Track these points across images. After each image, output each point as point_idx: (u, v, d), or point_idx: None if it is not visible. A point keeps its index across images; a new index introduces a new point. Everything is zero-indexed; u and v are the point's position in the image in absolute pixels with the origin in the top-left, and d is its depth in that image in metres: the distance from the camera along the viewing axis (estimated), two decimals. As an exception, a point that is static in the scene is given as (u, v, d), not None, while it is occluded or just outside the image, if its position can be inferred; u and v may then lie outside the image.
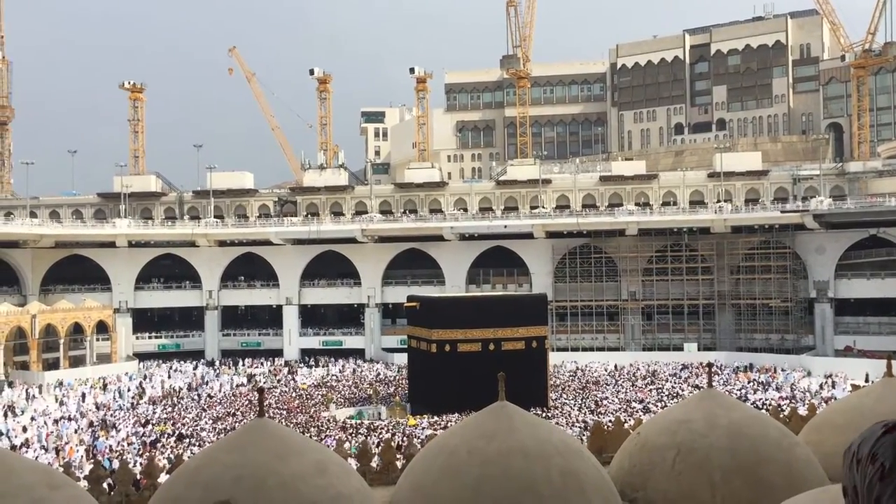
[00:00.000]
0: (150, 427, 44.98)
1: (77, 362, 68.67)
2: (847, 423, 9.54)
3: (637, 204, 78.45)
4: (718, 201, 75.90)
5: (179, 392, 59.30)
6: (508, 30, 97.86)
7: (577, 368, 65.90)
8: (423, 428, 42.19)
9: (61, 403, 54.89)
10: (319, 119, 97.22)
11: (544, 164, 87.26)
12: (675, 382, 57.78)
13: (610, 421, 31.78)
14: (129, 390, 60.32)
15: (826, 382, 56.54)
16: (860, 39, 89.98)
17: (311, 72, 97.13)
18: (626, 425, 13.05)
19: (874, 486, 2.24)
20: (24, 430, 45.98)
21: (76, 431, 45.49)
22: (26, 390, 58.65)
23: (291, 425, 40.35)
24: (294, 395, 56.12)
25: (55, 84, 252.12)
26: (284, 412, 47.63)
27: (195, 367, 72.00)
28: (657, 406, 47.17)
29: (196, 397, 56.89)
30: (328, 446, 14.53)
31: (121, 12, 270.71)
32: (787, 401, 49.71)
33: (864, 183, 76.28)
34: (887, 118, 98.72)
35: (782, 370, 62.39)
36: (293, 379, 65.23)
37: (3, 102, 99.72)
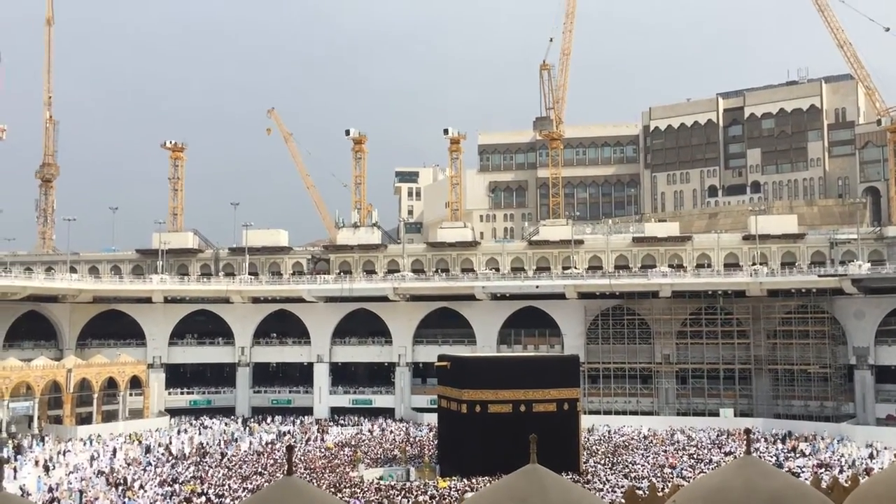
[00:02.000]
0: (177, 486, 44.71)
1: (110, 417, 68.99)
2: (890, 494, 9.23)
3: (670, 266, 77.87)
4: (753, 264, 75.04)
5: (209, 449, 59.11)
6: (542, 92, 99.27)
7: (610, 432, 64.71)
8: (455, 490, 41.50)
9: (93, 459, 54.97)
10: (354, 178, 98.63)
11: (576, 224, 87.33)
12: (710, 449, 56.38)
13: (644, 487, 31.01)
14: (159, 446, 60.30)
15: (871, 452, 54.79)
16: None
17: (347, 132, 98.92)
18: (660, 492, 12.73)
19: None
20: (51, 489, 45.88)
21: (106, 488, 45.40)
22: (59, 445, 58.87)
23: (319, 486, 39.93)
24: (322, 454, 55.67)
25: (98, 142, 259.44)
26: (312, 471, 47.20)
27: (226, 424, 71.92)
28: (690, 472, 46.03)
29: (225, 455, 56.66)
30: (356, 507, 14.39)
31: (163, 73, 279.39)
32: (822, 469, 48.27)
33: (904, 247, 75.00)
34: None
35: (822, 438, 60.58)
36: (322, 438, 64.80)
37: (49, 160, 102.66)
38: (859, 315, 68.59)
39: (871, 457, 53.24)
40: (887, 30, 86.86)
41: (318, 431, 68.24)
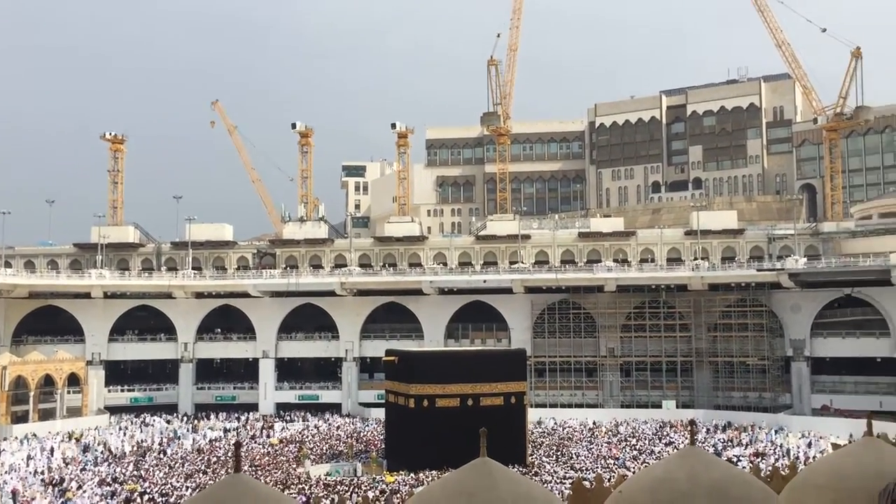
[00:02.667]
0: (118, 485, 43.66)
1: (47, 415, 67.15)
2: (828, 484, 9.49)
3: (615, 260, 79.00)
4: (695, 259, 76.62)
5: (151, 447, 57.98)
6: (489, 87, 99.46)
7: (556, 425, 65.42)
8: (404, 485, 41.47)
9: (29, 458, 53.45)
10: (300, 172, 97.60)
11: (523, 219, 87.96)
12: (652, 440, 57.46)
13: (590, 478, 31.49)
14: (98, 445, 58.91)
15: (808, 441, 56.48)
16: (832, 103, 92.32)
17: (293, 125, 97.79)
18: (606, 483, 12.90)
19: None
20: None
21: (43, 487, 44.19)
22: (-8, 444, 57.12)
23: (266, 482, 39.50)
24: (268, 450, 55.08)
25: (34, 133, 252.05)
26: (257, 468, 46.66)
27: (168, 422, 70.64)
28: (634, 463, 46.84)
29: (168, 453, 55.63)
30: (304, 504, 14.24)
31: (104, 63, 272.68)
32: (759, 458, 49.63)
33: (838, 243, 77.44)
34: (859, 180, 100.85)
35: (760, 428, 62.21)
36: (268, 434, 64.10)
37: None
38: (796, 308, 70.60)
39: (808, 445, 54.85)
40: (824, 30, 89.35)
41: (264, 428, 67.51)
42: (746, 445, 55.88)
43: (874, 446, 9.80)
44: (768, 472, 14.03)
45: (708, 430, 61.75)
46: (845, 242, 77.15)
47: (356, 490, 39.86)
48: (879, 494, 2.38)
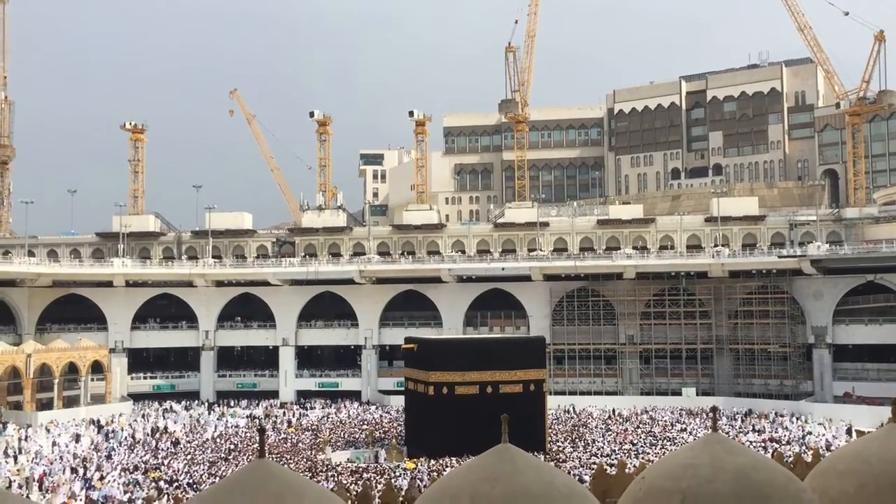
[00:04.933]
0: (142, 473, 44.11)
1: (71, 402, 68.00)
2: (851, 469, 9.46)
3: (634, 248, 78.62)
4: (716, 245, 76.10)
5: (174, 434, 58.58)
6: (507, 74, 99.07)
7: (575, 412, 65.42)
8: (426, 471, 41.68)
9: (54, 444, 54.19)
10: (318, 161, 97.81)
11: (542, 207, 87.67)
12: (672, 427, 57.35)
13: (613, 464, 31.50)
14: (122, 432, 59.59)
15: (832, 428, 56.19)
16: (855, 87, 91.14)
17: (311, 114, 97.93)
18: (628, 469, 12.93)
19: None
20: (9, 478, 45.16)
21: (70, 475, 44.78)
22: (21, 431, 57.95)
23: (292, 469, 39.82)
24: (289, 437, 55.51)
25: (56, 124, 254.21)
26: (280, 455, 47.05)
27: (189, 409, 71.33)
28: (652, 450, 46.79)
29: (191, 440, 56.18)
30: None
31: (125, 54, 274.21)
32: (779, 444, 49.43)
33: (861, 229, 76.60)
34: (882, 165, 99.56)
35: (782, 416, 61.88)
36: (288, 421, 64.58)
37: (5, 142, 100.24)
38: (818, 295, 69.98)
39: (831, 433, 54.49)
40: (846, 14, 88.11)
41: (284, 415, 68.00)
42: (761, 433, 55.61)
43: (899, 433, 9.74)
44: (793, 459, 13.98)
45: (728, 417, 61.49)
46: (868, 228, 76.30)
47: (383, 476, 40.03)
48: None
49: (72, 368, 68.56)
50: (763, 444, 49.84)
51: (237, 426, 62.19)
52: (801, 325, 70.28)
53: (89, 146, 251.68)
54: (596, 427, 57.55)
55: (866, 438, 10.70)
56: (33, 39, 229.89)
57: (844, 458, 10.12)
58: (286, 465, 40.48)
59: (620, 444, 50.23)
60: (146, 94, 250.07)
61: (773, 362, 69.77)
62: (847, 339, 69.26)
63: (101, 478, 43.23)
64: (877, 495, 8.84)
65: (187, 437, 57.47)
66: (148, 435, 58.54)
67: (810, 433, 54.95)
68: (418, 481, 37.79)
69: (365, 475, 40.56)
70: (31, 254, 79.96)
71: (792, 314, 69.76)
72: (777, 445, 48.85)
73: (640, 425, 58.33)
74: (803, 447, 47.19)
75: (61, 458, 49.73)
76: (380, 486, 34.31)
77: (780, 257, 69.75)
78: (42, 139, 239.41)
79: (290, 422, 64.21)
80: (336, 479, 38.63)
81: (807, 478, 10.04)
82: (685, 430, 55.30)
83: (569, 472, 39.25)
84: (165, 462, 47.17)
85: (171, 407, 71.94)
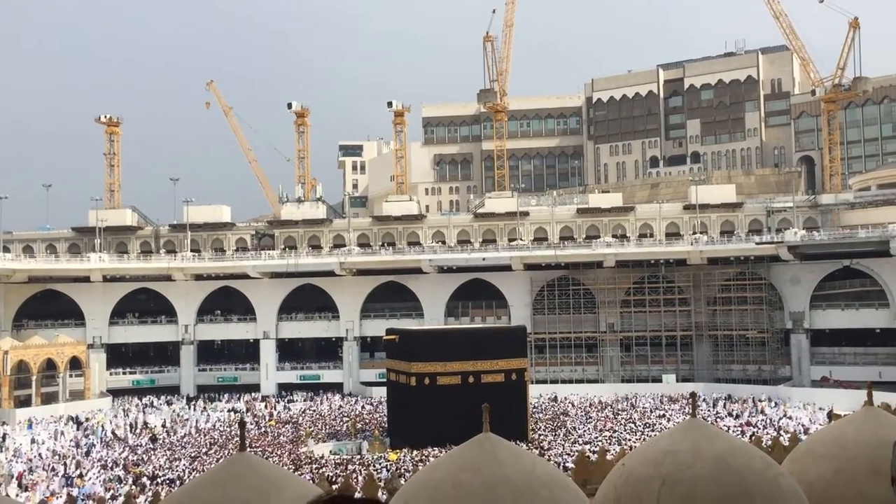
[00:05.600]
0: (122, 468, 43.80)
1: (49, 399, 67.39)
2: (829, 453, 9.56)
3: (614, 236, 78.99)
4: (694, 233, 76.64)
5: (155, 430, 58.24)
6: (485, 64, 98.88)
7: (557, 400, 65.74)
8: (408, 462, 41.73)
9: (33, 442, 53.70)
10: (297, 152, 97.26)
11: (522, 196, 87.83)
12: (652, 414, 57.84)
13: (593, 451, 31.68)
14: (102, 427, 59.16)
15: (808, 413, 56.86)
16: (830, 74, 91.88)
17: (289, 105, 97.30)
18: (609, 456, 13.00)
19: None
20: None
21: (48, 472, 44.40)
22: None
23: (276, 462, 39.68)
24: (270, 431, 55.35)
25: (30, 118, 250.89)
26: (261, 449, 46.91)
27: (170, 404, 70.92)
28: (633, 437, 47.14)
29: (173, 435, 55.88)
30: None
31: (98, 46, 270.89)
32: (752, 428, 50.03)
33: (837, 215, 77.42)
34: (857, 151, 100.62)
35: (760, 401, 62.53)
36: (270, 414, 64.39)
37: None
38: (795, 281, 70.71)
39: (811, 420, 55.14)
40: (821, 1, 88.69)
41: (266, 408, 67.80)
42: (739, 417, 56.20)
43: (874, 416, 9.87)
44: (770, 444, 14.13)
45: (707, 402, 62.03)
46: (844, 214, 77.13)
47: (368, 468, 40.02)
48: (894, 445, 2.45)
49: (50, 365, 67.91)
50: (741, 429, 50.36)
51: (219, 420, 61.92)
52: (779, 311, 71.02)
53: (64, 140, 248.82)
54: (577, 415, 57.91)
55: (843, 422, 10.82)
56: (6, 33, 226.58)
57: (822, 442, 10.23)
58: (269, 459, 40.38)
59: (601, 431, 50.61)
60: (121, 88, 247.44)
61: (752, 348, 70.49)
62: (824, 323, 70.07)
63: (81, 475, 42.92)
64: (854, 478, 8.94)
65: (168, 431, 57.17)
66: (128, 430, 58.15)
67: (789, 417, 55.60)
68: (403, 472, 37.82)
69: (350, 467, 40.57)
70: (6, 249, 79.02)
71: (770, 300, 70.46)
72: (755, 430, 49.38)
73: (621, 412, 58.76)
74: (781, 431, 47.72)
75: (41, 455, 49.30)
76: (361, 478, 34.35)
77: (757, 244, 70.39)
78: (16, 133, 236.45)
79: (271, 414, 64.05)
80: (320, 471, 38.57)
81: (784, 462, 10.13)
82: (665, 416, 55.80)
83: (550, 461, 39.47)
84: (146, 457, 46.90)
85: (151, 402, 71.51)
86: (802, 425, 51.45)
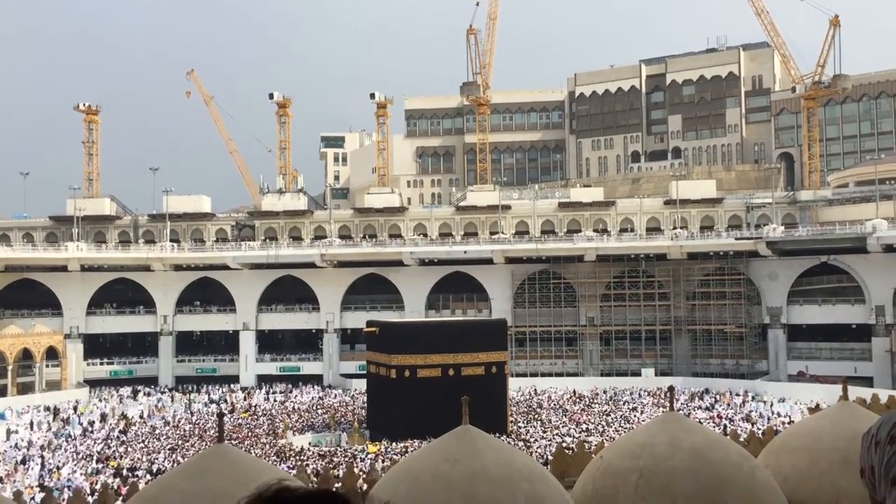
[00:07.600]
0: (99, 460, 43.49)
1: (25, 389, 66.77)
2: (804, 446, 9.68)
3: (595, 230, 79.28)
4: (675, 228, 77.09)
5: (133, 421, 57.88)
6: (468, 57, 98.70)
7: (536, 394, 66.02)
8: (388, 454, 41.78)
9: (9, 432, 53.19)
10: (278, 143, 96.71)
11: (503, 190, 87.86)
12: (632, 407, 58.24)
13: (572, 444, 31.84)
14: (79, 418, 58.71)
15: (786, 406, 57.48)
16: (810, 72, 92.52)
17: (271, 96, 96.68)
18: (587, 448, 13.07)
19: (893, 465, 2.46)
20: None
21: (24, 463, 44.02)
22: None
23: (256, 454, 39.62)
24: (245, 422, 55.18)
25: (7, 105, 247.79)
26: (239, 440, 46.77)
27: (148, 395, 70.48)
28: (611, 430, 47.47)
29: (150, 426, 55.57)
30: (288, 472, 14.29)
31: (78, 34, 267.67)
32: (729, 422, 50.51)
33: (815, 211, 78.15)
34: (836, 148, 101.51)
35: (737, 395, 63.15)
36: (249, 406, 64.17)
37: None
38: (773, 276, 71.35)
39: (787, 413, 55.75)
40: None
41: (245, 400, 67.56)
42: (714, 410, 56.74)
43: (849, 410, 10.00)
44: (746, 437, 14.27)
45: (686, 395, 62.54)
46: (822, 210, 77.87)
47: (336, 459, 40.07)
48: (863, 437, 2.44)
49: (26, 355, 67.28)
50: (717, 422, 50.84)
51: (197, 411, 61.64)
52: (757, 306, 71.66)
53: (42, 128, 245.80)
54: (556, 408, 58.21)
55: (818, 416, 10.94)
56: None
57: (797, 435, 10.35)
58: (248, 451, 40.28)
59: (579, 424, 50.91)
60: (101, 76, 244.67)
61: (730, 342, 71.10)
62: (801, 319, 70.78)
63: (59, 467, 42.60)
64: (828, 471, 9.05)
65: (146, 423, 56.83)
66: (106, 422, 57.75)
67: (763, 411, 56.18)
68: (382, 463, 37.87)
69: (335, 459, 40.59)
70: (-18, 238, 78.11)
71: (748, 295, 71.07)
72: (731, 424, 49.87)
73: (600, 405, 59.13)
74: (757, 425, 48.23)
75: (16, 445, 48.87)
76: (340, 469, 34.37)
77: (736, 239, 70.95)
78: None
79: (249, 406, 63.85)
80: (302, 463, 38.55)
81: (760, 455, 10.24)
82: (643, 410, 56.20)
83: (530, 453, 39.64)
84: (124, 448, 46.60)
85: (129, 393, 71.02)
86: (778, 414, 52.06)
